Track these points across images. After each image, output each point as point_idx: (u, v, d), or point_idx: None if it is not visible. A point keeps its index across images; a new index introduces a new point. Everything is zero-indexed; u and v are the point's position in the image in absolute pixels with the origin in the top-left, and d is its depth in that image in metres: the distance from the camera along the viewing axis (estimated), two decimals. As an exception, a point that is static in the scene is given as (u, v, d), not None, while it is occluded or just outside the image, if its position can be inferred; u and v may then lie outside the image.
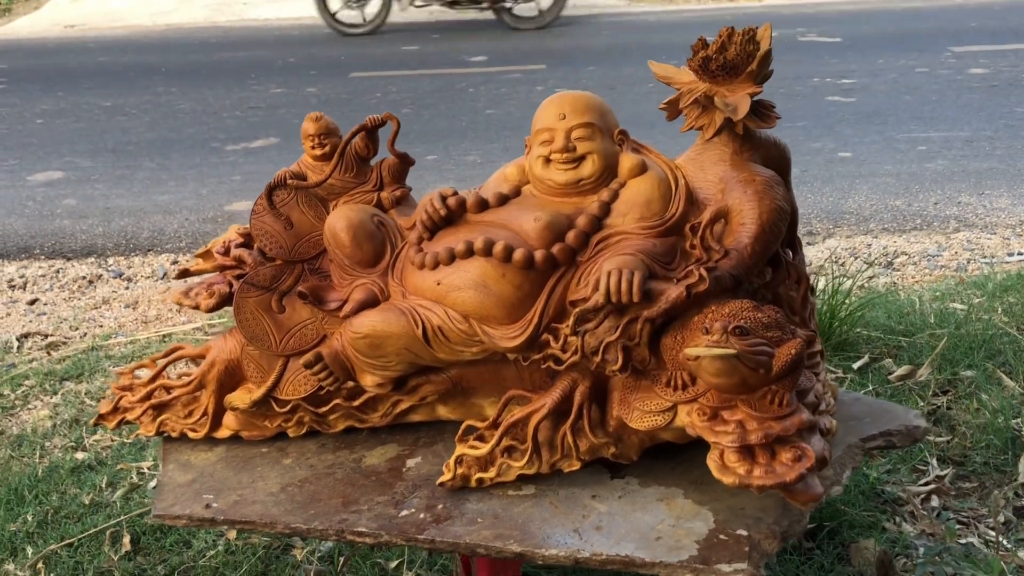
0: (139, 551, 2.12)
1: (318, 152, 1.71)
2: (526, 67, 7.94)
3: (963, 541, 1.97)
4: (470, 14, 10.87)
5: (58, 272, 3.98)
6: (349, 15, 10.36)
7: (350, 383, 1.63)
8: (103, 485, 2.34)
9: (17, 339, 3.31)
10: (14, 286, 3.86)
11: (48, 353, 3.18)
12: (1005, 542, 1.96)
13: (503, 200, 1.56)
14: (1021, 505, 2.11)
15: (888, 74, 7.21)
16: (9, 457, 2.50)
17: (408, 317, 1.51)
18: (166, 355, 1.80)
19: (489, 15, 10.54)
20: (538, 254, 1.45)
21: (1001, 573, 1.78)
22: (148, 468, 2.40)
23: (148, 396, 1.77)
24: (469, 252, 1.48)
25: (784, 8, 10.90)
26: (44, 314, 3.57)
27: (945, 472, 2.21)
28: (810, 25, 9.53)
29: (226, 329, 1.75)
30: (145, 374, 1.79)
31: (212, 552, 2.09)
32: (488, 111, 6.48)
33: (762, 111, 1.46)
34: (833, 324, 2.75)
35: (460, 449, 1.53)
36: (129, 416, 1.78)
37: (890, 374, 2.61)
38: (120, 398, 1.80)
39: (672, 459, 1.54)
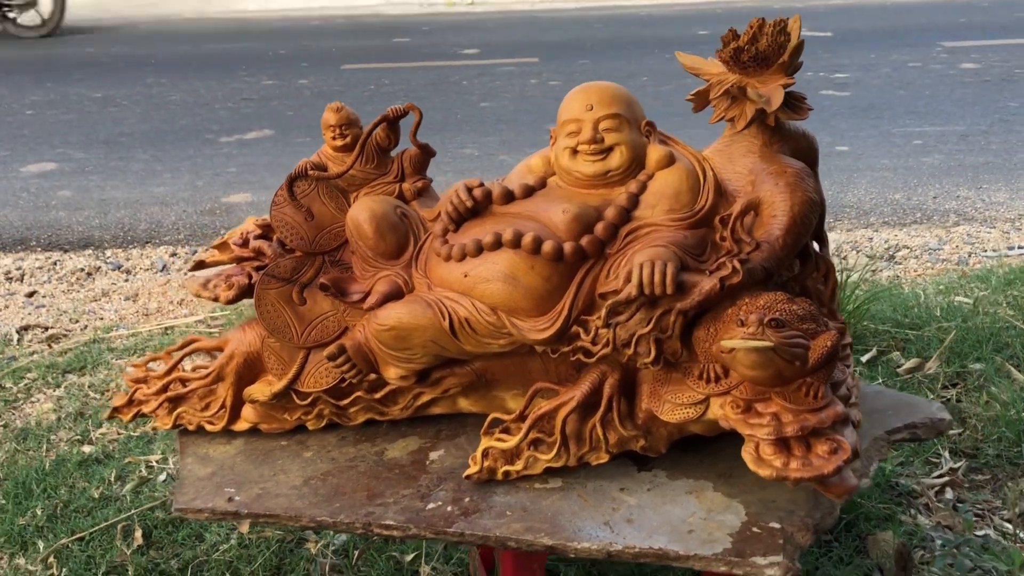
0: (151, 545, 2.10)
1: (339, 143, 1.69)
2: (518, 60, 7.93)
3: (979, 533, 1.98)
4: None
5: (55, 264, 3.94)
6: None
7: (372, 375, 1.61)
8: (111, 479, 2.32)
9: (17, 332, 3.28)
10: (11, 278, 3.82)
11: (49, 346, 3.15)
12: (1022, 534, 1.96)
13: (529, 192, 1.55)
14: (1035, 497, 2.12)
15: (881, 68, 7.24)
16: (14, 450, 2.48)
17: (435, 309, 1.50)
18: (182, 347, 1.78)
19: None
20: (567, 246, 1.44)
21: (1022, 565, 1.79)
22: (157, 462, 2.38)
23: (164, 389, 1.75)
24: (497, 244, 1.46)
25: (775, 3, 10.92)
26: (43, 306, 3.53)
27: (958, 465, 2.22)
28: (802, 20, 9.53)
29: (243, 321, 1.74)
30: (158, 366, 1.77)
31: (225, 546, 2.08)
32: (483, 104, 6.47)
33: (794, 102, 1.45)
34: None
35: (486, 442, 1.52)
36: (145, 409, 1.76)
37: (899, 367, 2.62)
38: (135, 390, 1.78)
39: (698, 452, 1.54)
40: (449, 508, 1.48)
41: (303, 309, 1.64)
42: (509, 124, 5.86)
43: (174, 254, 4.01)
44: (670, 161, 1.50)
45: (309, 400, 1.67)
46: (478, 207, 1.54)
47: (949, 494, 2.14)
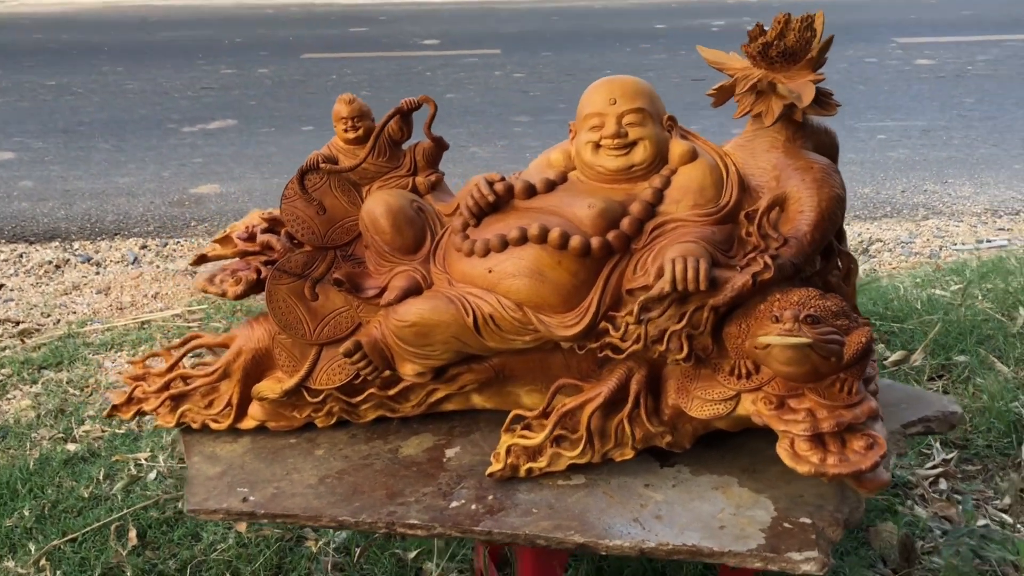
0: (147, 545, 2.05)
1: (351, 135, 1.66)
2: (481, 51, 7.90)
3: (979, 523, 2.01)
4: None
5: (21, 256, 3.84)
6: None
7: (387, 372, 1.59)
8: (100, 477, 2.26)
9: (-14, 326, 3.19)
10: (-25, 271, 3.72)
11: (22, 341, 3.06)
12: (1018, 524, 2.00)
13: (550, 186, 1.53)
14: (1026, 487, 2.16)
15: (839, 64, 7.32)
16: (-5, 449, 2.41)
17: (457, 305, 1.48)
18: (183, 344, 1.74)
19: None
20: (594, 241, 1.43)
21: (1027, 554, 1.82)
22: (146, 459, 2.33)
23: (166, 386, 1.71)
24: (523, 239, 1.45)
25: (731, -4, 11.00)
26: (11, 300, 3.44)
27: (950, 456, 2.25)
28: (755, 15, 9.62)
29: (252, 317, 1.70)
30: (158, 363, 1.73)
31: (223, 545, 2.04)
32: (448, 95, 6.43)
33: (822, 98, 1.45)
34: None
35: (509, 439, 1.50)
36: (146, 407, 1.72)
37: (885, 360, 2.65)
38: (134, 388, 1.73)
39: (719, 447, 1.54)
40: (473, 506, 1.46)
41: (315, 305, 1.61)
42: (476, 116, 5.83)
43: (144, 246, 3.92)
44: (693, 156, 1.49)
45: (320, 397, 1.64)
46: (499, 201, 1.52)
47: (943, 485, 2.17)
